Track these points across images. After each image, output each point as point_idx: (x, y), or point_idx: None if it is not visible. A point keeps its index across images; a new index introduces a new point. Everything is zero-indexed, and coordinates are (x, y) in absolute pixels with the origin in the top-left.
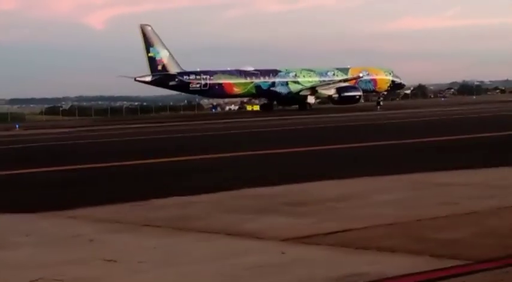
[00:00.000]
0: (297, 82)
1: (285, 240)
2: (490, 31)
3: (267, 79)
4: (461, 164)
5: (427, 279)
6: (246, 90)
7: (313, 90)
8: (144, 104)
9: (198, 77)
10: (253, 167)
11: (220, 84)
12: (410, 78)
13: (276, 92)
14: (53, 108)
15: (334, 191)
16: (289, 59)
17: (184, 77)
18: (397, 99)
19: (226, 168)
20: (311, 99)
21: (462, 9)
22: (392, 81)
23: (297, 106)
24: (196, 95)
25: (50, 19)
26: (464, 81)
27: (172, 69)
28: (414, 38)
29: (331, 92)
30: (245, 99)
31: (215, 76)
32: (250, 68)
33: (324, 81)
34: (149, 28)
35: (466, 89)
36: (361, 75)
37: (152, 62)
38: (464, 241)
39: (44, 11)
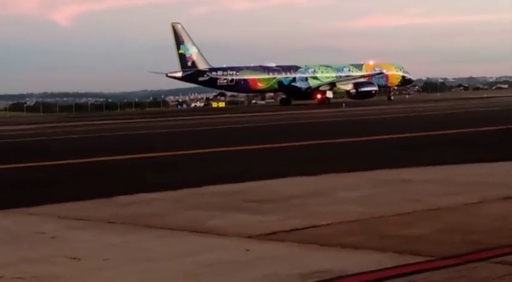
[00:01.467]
0: (316, 78)
1: (250, 237)
2: (454, 29)
3: (288, 75)
4: (425, 161)
5: (390, 276)
6: (269, 85)
7: (332, 85)
8: (110, 100)
9: (225, 73)
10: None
11: (245, 80)
12: None
13: (296, 87)
14: (17, 105)
15: (299, 187)
16: (257, 57)
17: (213, 73)
18: None
19: (195, 165)
20: (330, 94)
21: (427, 7)
22: (403, 77)
23: (316, 101)
24: (223, 90)
25: (14, 15)
26: (428, 78)
27: (201, 66)
28: (380, 36)
29: (349, 87)
30: (211, 96)
31: (241, 72)
32: (272, 64)
33: (340, 76)
34: (179, 26)
35: (430, 86)
36: (384, 71)
37: (182, 58)
38: (427, 237)
39: (8, 8)
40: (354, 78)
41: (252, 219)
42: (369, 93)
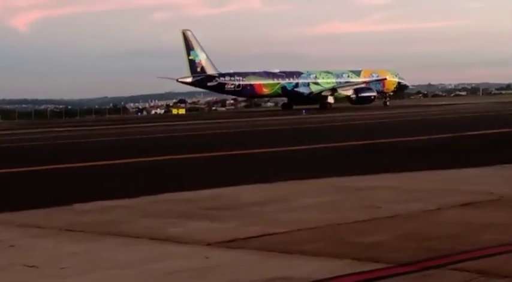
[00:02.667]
0: (317, 83)
1: (209, 244)
2: (413, 36)
3: (291, 80)
4: (385, 168)
5: None
6: (273, 90)
7: (333, 90)
8: (69, 107)
9: (232, 78)
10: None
11: (251, 85)
12: None
13: (298, 92)
14: None
15: (259, 195)
16: (218, 63)
17: (221, 78)
18: None
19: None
20: (331, 99)
21: (386, 14)
22: (399, 83)
23: (318, 106)
24: (230, 95)
25: None
26: None
27: (209, 71)
28: (340, 42)
29: (350, 92)
30: (171, 103)
31: (247, 77)
32: (276, 70)
33: (340, 82)
34: (189, 33)
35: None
36: (387, 78)
37: (192, 64)
38: (386, 244)
39: None
40: (356, 84)
41: (212, 227)
42: (368, 98)
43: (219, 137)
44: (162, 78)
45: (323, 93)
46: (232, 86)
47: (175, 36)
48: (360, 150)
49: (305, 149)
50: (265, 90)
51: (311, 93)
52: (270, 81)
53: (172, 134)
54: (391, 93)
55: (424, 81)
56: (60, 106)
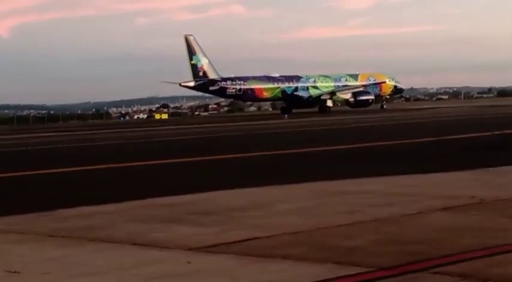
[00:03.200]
0: (316, 87)
1: (191, 249)
2: (394, 40)
3: (290, 84)
4: (364, 172)
5: None
6: (273, 94)
7: (332, 94)
8: (52, 112)
9: (233, 82)
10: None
11: (252, 89)
12: None
13: (298, 96)
14: None
15: (241, 200)
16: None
17: (222, 82)
18: None
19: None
20: (330, 103)
21: (365, 19)
22: (395, 86)
23: (316, 109)
24: (232, 99)
25: None
26: None
27: (211, 75)
28: (319, 47)
29: (348, 96)
30: (154, 108)
31: (248, 82)
32: (276, 75)
33: (338, 86)
34: (192, 38)
35: None
36: (387, 81)
37: (194, 68)
38: (366, 249)
39: None
40: (355, 88)
41: (194, 232)
42: (367, 102)
43: (206, 141)
44: (165, 82)
45: (322, 97)
46: (234, 90)
47: (158, 41)
48: (346, 154)
49: (283, 154)
50: (266, 94)
51: (310, 97)
52: (270, 85)
53: (149, 139)
54: (388, 97)
55: (406, 86)
56: (43, 111)
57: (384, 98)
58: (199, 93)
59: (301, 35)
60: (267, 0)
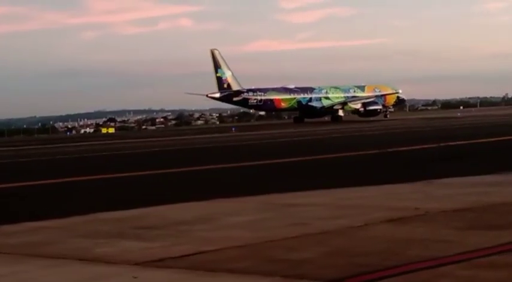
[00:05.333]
0: (328, 98)
1: (137, 264)
2: (343, 53)
3: (305, 95)
4: (310, 185)
5: None
6: (290, 104)
7: (343, 104)
8: None
9: (254, 94)
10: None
11: (271, 100)
12: None
13: (312, 106)
14: None
15: (187, 213)
16: (151, 81)
17: (244, 93)
18: (252, 120)
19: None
20: (341, 113)
21: (314, 32)
22: (397, 97)
23: (327, 118)
24: (253, 109)
25: None
26: None
27: (235, 87)
28: (269, 60)
29: (358, 106)
30: (101, 122)
31: (267, 93)
32: (292, 86)
33: (347, 97)
34: (217, 52)
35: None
36: (400, 91)
37: (219, 81)
38: (314, 261)
39: None
40: (367, 98)
41: (140, 246)
42: (375, 111)
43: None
44: (190, 94)
45: (335, 107)
46: (255, 101)
47: (106, 55)
48: (291, 166)
49: (232, 167)
50: (283, 105)
51: (323, 107)
52: (287, 96)
53: (91, 154)
54: (391, 107)
55: None
56: None
57: (388, 107)
58: (146, 107)
59: (250, 48)
60: (215, 14)
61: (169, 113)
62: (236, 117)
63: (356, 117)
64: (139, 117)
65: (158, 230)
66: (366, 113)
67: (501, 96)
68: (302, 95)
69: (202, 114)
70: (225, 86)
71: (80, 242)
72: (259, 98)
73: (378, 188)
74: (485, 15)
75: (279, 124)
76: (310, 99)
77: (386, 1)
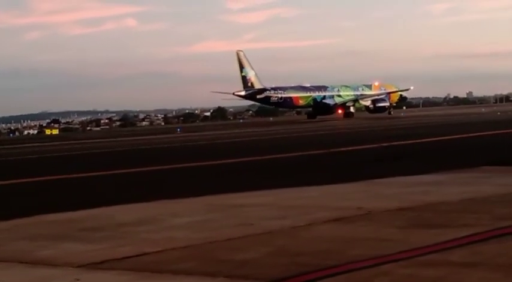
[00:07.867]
0: (340, 95)
1: (80, 266)
2: (287, 55)
3: (320, 93)
4: (255, 186)
5: None
6: (307, 102)
7: (355, 101)
8: None
9: (275, 92)
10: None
11: (291, 98)
12: (211, 101)
13: (326, 103)
14: None
15: (131, 215)
16: (96, 82)
17: (267, 92)
18: (197, 121)
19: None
20: (352, 109)
21: (258, 33)
22: (400, 95)
23: (340, 115)
24: (274, 106)
25: None
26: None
27: (257, 86)
28: (215, 61)
29: (368, 103)
30: (44, 124)
31: (287, 91)
32: (308, 85)
33: (357, 95)
34: (242, 53)
35: (263, 111)
36: (411, 88)
37: (244, 80)
38: (258, 261)
39: None
40: (378, 95)
41: (83, 248)
42: (383, 108)
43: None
44: (216, 92)
45: (347, 104)
46: (276, 99)
47: (50, 56)
48: (233, 167)
49: (180, 168)
50: (301, 102)
51: (335, 104)
52: (304, 94)
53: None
54: (394, 104)
55: None
56: None
57: (391, 105)
58: (91, 108)
59: (196, 49)
60: (160, 15)
61: (114, 114)
62: (181, 118)
63: (366, 113)
64: (83, 118)
65: (101, 231)
66: (376, 109)
67: (443, 96)
68: (317, 93)
69: (147, 115)
70: (249, 84)
71: (22, 244)
72: (279, 95)
73: (322, 188)
74: (429, 17)
75: (223, 125)
76: (324, 97)
77: (332, 2)
